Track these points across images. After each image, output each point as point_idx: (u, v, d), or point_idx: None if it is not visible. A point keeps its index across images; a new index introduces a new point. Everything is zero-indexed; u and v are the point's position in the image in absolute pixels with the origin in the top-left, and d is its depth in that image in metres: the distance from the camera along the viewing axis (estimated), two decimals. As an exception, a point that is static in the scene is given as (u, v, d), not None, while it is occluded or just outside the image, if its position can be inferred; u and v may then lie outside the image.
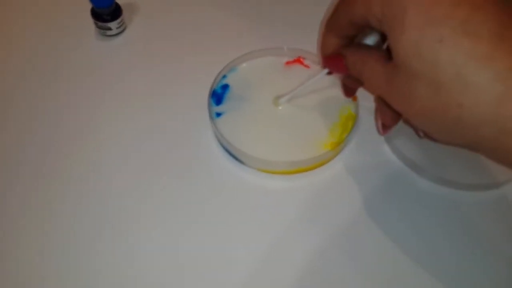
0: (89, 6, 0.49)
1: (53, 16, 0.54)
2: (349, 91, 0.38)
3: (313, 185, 0.42)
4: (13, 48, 0.51)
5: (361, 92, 0.38)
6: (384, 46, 0.31)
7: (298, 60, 0.48)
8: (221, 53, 0.47)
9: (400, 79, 0.27)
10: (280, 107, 0.45)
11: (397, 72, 0.27)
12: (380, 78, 0.29)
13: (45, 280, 0.37)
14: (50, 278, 0.37)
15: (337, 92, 0.45)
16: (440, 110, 0.26)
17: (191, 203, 0.41)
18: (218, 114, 0.45)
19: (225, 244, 0.39)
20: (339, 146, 0.42)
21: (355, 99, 0.45)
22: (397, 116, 0.33)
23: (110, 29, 0.51)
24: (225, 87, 0.46)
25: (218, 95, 0.46)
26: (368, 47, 0.32)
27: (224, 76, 0.47)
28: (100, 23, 0.50)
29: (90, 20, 0.51)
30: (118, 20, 0.51)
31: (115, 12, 0.50)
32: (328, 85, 0.45)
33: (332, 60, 0.34)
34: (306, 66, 0.48)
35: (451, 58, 0.24)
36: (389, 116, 0.33)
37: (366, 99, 0.39)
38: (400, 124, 0.34)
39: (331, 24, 0.32)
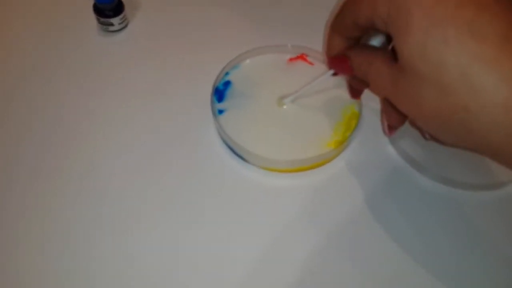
0: (91, 1, 0.49)
1: (55, 11, 0.54)
2: (355, 92, 0.39)
3: (316, 184, 0.42)
4: (14, 45, 0.51)
5: (364, 92, 0.38)
6: (390, 48, 0.31)
7: (301, 57, 0.48)
8: (224, 50, 0.47)
9: (405, 80, 0.27)
10: (284, 106, 0.45)
11: (402, 73, 0.27)
12: (386, 80, 0.29)
13: (45, 280, 0.37)
14: (50, 278, 0.37)
15: (341, 91, 0.45)
16: (446, 112, 0.25)
17: (193, 201, 0.41)
18: (220, 111, 0.44)
19: (227, 242, 0.39)
20: (342, 145, 0.42)
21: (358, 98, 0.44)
22: (403, 117, 0.33)
23: (112, 24, 0.51)
24: (227, 83, 0.46)
25: (220, 92, 0.45)
26: (373, 48, 0.32)
27: (227, 73, 0.47)
28: (102, 19, 0.50)
29: (92, 16, 0.50)
30: (121, 16, 0.50)
31: (118, 8, 0.50)
32: (332, 85, 0.45)
33: (337, 61, 0.33)
34: (310, 63, 0.47)
35: (456, 60, 0.24)
36: (394, 117, 0.33)
37: (369, 98, 0.39)
38: (404, 124, 0.34)
39: (336, 25, 0.32)
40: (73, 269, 0.38)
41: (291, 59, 0.48)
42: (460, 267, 0.38)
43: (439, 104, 0.25)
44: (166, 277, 0.37)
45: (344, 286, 0.37)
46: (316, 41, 0.46)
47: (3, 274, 0.37)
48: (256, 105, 0.45)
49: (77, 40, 0.51)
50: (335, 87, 0.45)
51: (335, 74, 0.37)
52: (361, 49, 0.32)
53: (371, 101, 0.38)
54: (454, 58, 0.24)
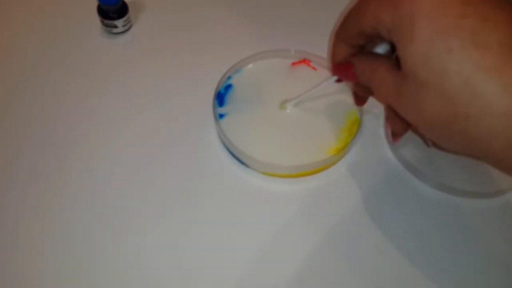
0: (95, 3, 0.49)
1: (59, 12, 0.54)
2: (360, 100, 0.39)
3: (316, 189, 0.42)
4: (17, 47, 0.51)
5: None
6: (394, 56, 0.31)
7: (304, 61, 0.48)
8: (227, 53, 0.47)
9: (408, 88, 0.27)
10: (286, 111, 0.45)
11: (405, 81, 0.27)
12: (389, 87, 0.29)
13: (45, 280, 0.37)
14: (50, 278, 0.37)
15: (344, 96, 0.45)
16: (448, 120, 0.26)
17: (193, 204, 0.41)
18: (221, 115, 0.44)
19: (226, 244, 0.39)
20: (343, 150, 0.42)
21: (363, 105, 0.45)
22: (407, 124, 0.33)
23: (116, 27, 0.51)
24: (228, 87, 0.46)
25: (221, 96, 0.46)
26: (377, 55, 0.32)
27: (229, 77, 0.47)
28: (106, 21, 0.50)
29: (96, 18, 0.50)
30: (124, 18, 0.50)
31: (122, 10, 0.50)
32: (335, 90, 0.45)
33: (341, 68, 0.34)
34: (313, 68, 0.48)
35: (460, 69, 0.24)
36: (398, 124, 0.33)
37: (369, 104, 0.39)
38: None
39: (341, 33, 0.32)
40: (73, 269, 0.38)
41: (293, 64, 0.48)
42: (459, 273, 0.38)
43: (441, 112, 0.26)
44: (166, 277, 0.37)
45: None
46: (319, 46, 0.46)
47: (3, 274, 0.37)
48: (258, 109, 0.45)
49: (81, 41, 0.51)
50: (338, 92, 0.45)
51: (338, 80, 0.37)
52: (366, 57, 0.32)
53: (371, 106, 0.39)
54: (457, 67, 0.24)
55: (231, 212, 0.41)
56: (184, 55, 0.50)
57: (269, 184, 0.42)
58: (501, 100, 0.24)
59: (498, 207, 0.41)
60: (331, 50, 0.34)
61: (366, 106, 0.39)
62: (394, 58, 0.30)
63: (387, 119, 0.35)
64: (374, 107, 0.39)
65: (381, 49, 0.32)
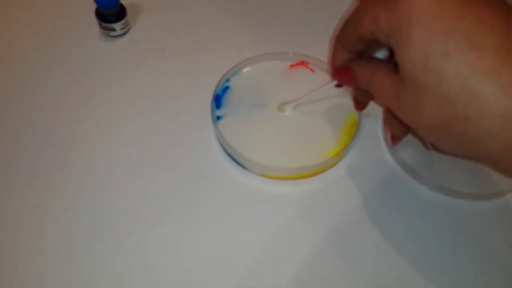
0: (93, 6, 0.49)
1: (57, 15, 0.54)
2: (360, 104, 0.39)
3: (314, 191, 0.42)
4: (17, 47, 0.51)
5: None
6: (393, 60, 0.32)
7: (302, 63, 0.48)
8: (225, 56, 0.47)
9: (407, 91, 0.27)
10: (285, 113, 0.45)
11: (404, 84, 0.27)
12: (388, 91, 0.29)
13: (45, 280, 0.37)
14: (50, 278, 0.37)
15: (343, 99, 0.45)
16: (447, 123, 0.26)
17: (193, 205, 0.41)
18: (219, 117, 0.45)
19: (225, 245, 0.39)
20: (341, 153, 0.42)
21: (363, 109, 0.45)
22: (406, 128, 0.33)
23: (114, 30, 0.51)
24: (225, 89, 0.46)
25: (218, 98, 0.46)
26: (377, 60, 0.33)
27: (228, 80, 0.47)
28: (104, 24, 0.50)
29: (94, 21, 0.50)
30: (123, 21, 0.51)
31: (120, 13, 0.50)
32: (334, 93, 0.45)
33: (341, 73, 0.34)
34: (312, 70, 0.48)
35: (457, 72, 0.24)
36: (398, 127, 0.33)
37: (369, 107, 0.39)
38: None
39: (340, 39, 0.32)
40: (73, 269, 0.38)
41: (292, 66, 0.48)
42: (459, 275, 0.38)
43: (440, 114, 0.26)
44: (165, 277, 0.37)
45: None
46: (318, 48, 0.46)
47: (3, 274, 0.37)
48: (256, 112, 0.45)
49: (81, 42, 0.51)
50: (337, 94, 0.45)
51: (338, 85, 0.38)
52: (365, 61, 0.33)
53: (370, 109, 0.39)
54: (455, 69, 0.24)
55: (231, 212, 0.41)
56: (182, 57, 0.50)
57: (268, 186, 0.42)
58: (498, 102, 0.24)
59: (497, 208, 0.41)
60: (332, 55, 0.34)
61: (366, 109, 0.40)
62: (393, 63, 0.30)
63: (386, 122, 0.35)
64: (373, 110, 0.39)
65: (381, 54, 0.33)
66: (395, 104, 0.29)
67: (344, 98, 0.45)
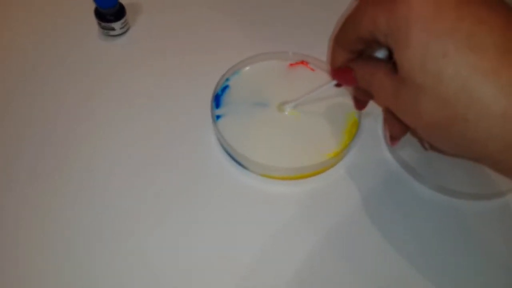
0: (92, 6, 0.49)
1: (56, 14, 0.54)
2: (360, 104, 0.39)
3: (315, 191, 0.42)
4: (17, 47, 0.51)
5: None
6: (393, 60, 0.32)
7: (302, 63, 0.48)
8: (224, 56, 0.47)
9: (406, 92, 0.27)
10: (285, 113, 0.45)
11: (403, 85, 0.27)
12: (388, 91, 0.29)
13: (45, 280, 0.37)
14: (50, 278, 0.37)
15: (343, 99, 0.45)
16: (445, 123, 0.26)
17: (193, 205, 0.41)
18: (218, 117, 0.45)
19: (225, 246, 0.39)
20: (342, 152, 0.42)
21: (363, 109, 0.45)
22: (405, 127, 0.33)
23: (113, 29, 0.51)
24: (224, 88, 0.46)
25: (217, 97, 0.46)
26: (376, 60, 0.32)
27: (227, 79, 0.47)
28: (103, 23, 0.50)
29: (93, 21, 0.50)
30: (122, 21, 0.51)
31: (119, 13, 0.50)
32: (334, 92, 0.45)
33: (341, 73, 0.34)
34: (311, 69, 0.48)
35: (456, 72, 0.24)
36: (397, 127, 0.33)
37: (368, 106, 0.39)
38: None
39: (339, 39, 0.32)
40: (73, 269, 0.38)
41: (291, 65, 0.48)
42: (458, 274, 0.38)
43: (439, 115, 0.26)
44: (165, 277, 0.38)
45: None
46: (317, 48, 0.46)
47: (3, 274, 0.37)
48: (256, 111, 0.45)
49: (80, 42, 0.51)
50: (337, 94, 0.45)
51: (338, 85, 0.38)
52: (365, 61, 0.32)
53: (370, 108, 0.39)
54: (454, 70, 0.24)
55: (231, 212, 0.41)
56: (182, 57, 0.51)
57: (268, 186, 0.42)
58: (498, 102, 0.24)
59: (497, 208, 0.41)
60: (331, 55, 0.34)
61: (366, 108, 0.40)
62: (392, 62, 0.30)
63: (386, 121, 0.35)
64: (373, 109, 0.39)
65: (380, 53, 0.33)
66: (394, 104, 0.29)
67: (344, 97, 0.45)
